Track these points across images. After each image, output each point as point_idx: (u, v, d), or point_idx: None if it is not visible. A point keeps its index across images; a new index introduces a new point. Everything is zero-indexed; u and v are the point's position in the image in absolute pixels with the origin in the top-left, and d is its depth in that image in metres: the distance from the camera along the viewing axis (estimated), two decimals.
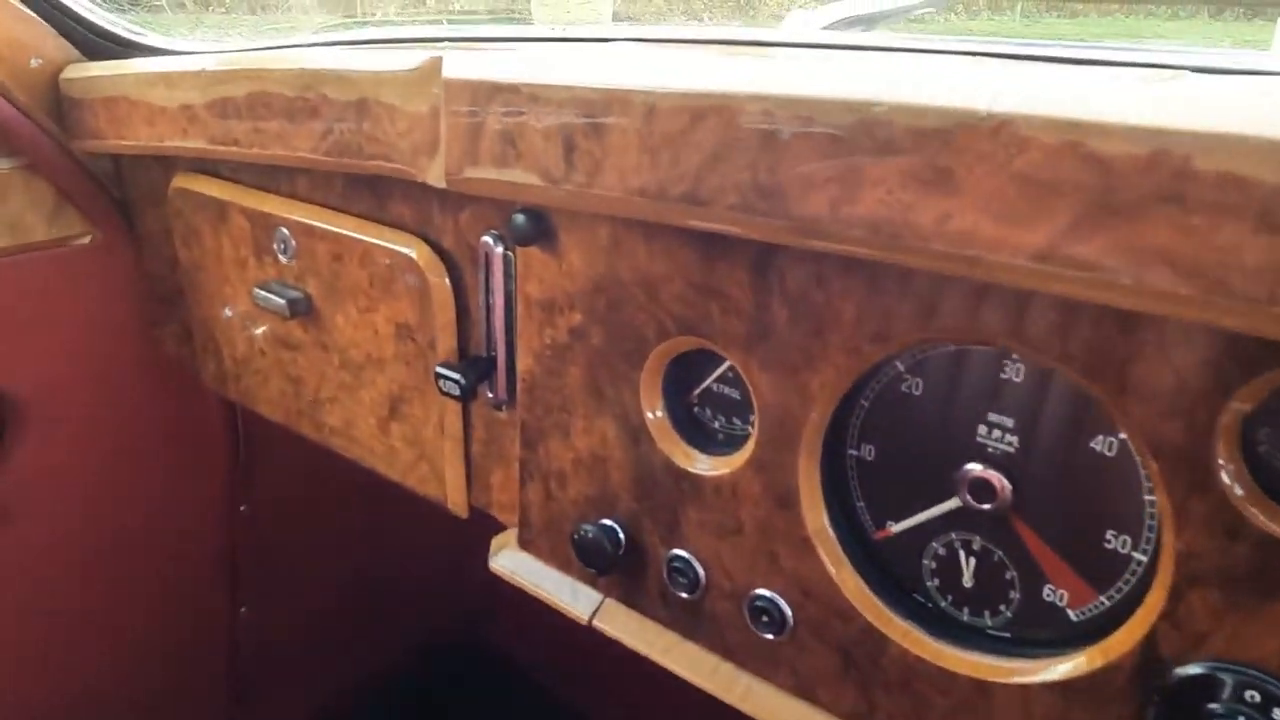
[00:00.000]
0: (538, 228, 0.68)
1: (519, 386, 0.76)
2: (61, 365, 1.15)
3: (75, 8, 1.01)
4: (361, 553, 1.63)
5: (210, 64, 0.85)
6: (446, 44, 0.83)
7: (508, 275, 0.77)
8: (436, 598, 1.84)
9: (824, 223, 0.49)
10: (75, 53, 1.03)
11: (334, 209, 0.88)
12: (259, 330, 0.99)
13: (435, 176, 0.69)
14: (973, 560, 0.59)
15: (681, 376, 0.69)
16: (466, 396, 0.78)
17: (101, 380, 1.19)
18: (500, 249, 0.76)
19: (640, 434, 0.69)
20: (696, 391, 0.69)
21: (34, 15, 0.99)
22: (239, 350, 1.03)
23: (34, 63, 1.00)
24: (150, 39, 1.05)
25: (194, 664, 1.49)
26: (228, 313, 1.02)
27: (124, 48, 1.05)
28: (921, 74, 0.46)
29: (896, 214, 0.46)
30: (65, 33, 1.02)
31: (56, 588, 1.25)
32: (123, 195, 1.12)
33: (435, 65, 0.67)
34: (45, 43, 1.00)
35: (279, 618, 1.57)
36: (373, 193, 0.85)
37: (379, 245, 0.84)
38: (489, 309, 0.79)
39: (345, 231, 0.86)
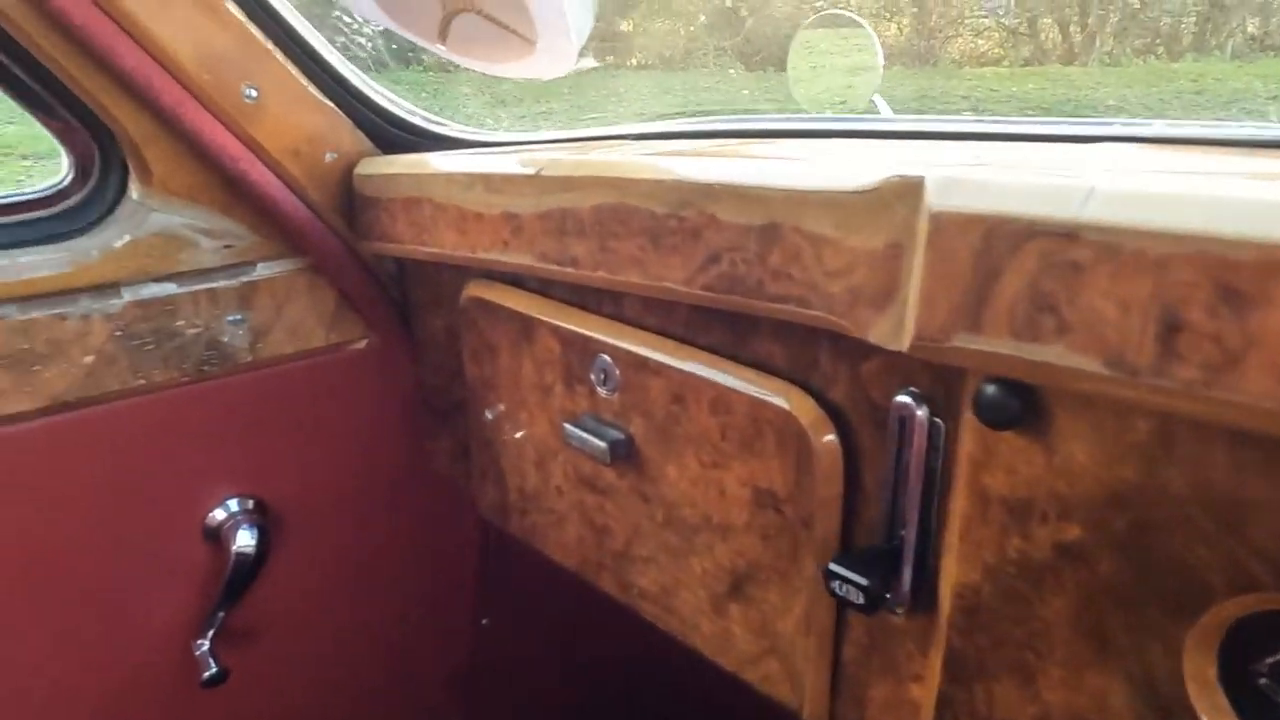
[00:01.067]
0: (1022, 406, 0.50)
1: (952, 603, 0.57)
2: (324, 474, 1.06)
3: (375, 98, 0.92)
4: (594, 674, 1.49)
5: (546, 165, 0.71)
6: (856, 139, 0.66)
7: (933, 448, 0.58)
8: (663, 715, 1.67)
9: None
10: (369, 145, 0.93)
11: (675, 339, 0.73)
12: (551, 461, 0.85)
13: (886, 335, 0.52)
14: None
15: (1236, 629, 0.47)
16: (873, 607, 0.60)
17: (362, 490, 1.09)
18: (923, 412, 0.58)
19: (1174, 711, 0.48)
20: (1269, 660, 0.47)
21: (332, 106, 0.90)
22: (529, 483, 0.89)
23: (328, 157, 0.91)
24: (452, 129, 0.94)
25: None
26: (518, 436, 0.89)
27: (420, 138, 0.95)
28: None
29: None
30: (360, 123, 0.93)
31: (300, 693, 1.16)
32: (402, 297, 1.01)
33: (907, 188, 0.49)
34: (341, 136, 0.91)
35: None
36: (729, 323, 0.69)
37: (738, 390, 0.67)
38: (898, 488, 0.60)
39: (691, 369, 0.70)
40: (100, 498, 0.91)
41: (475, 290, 0.88)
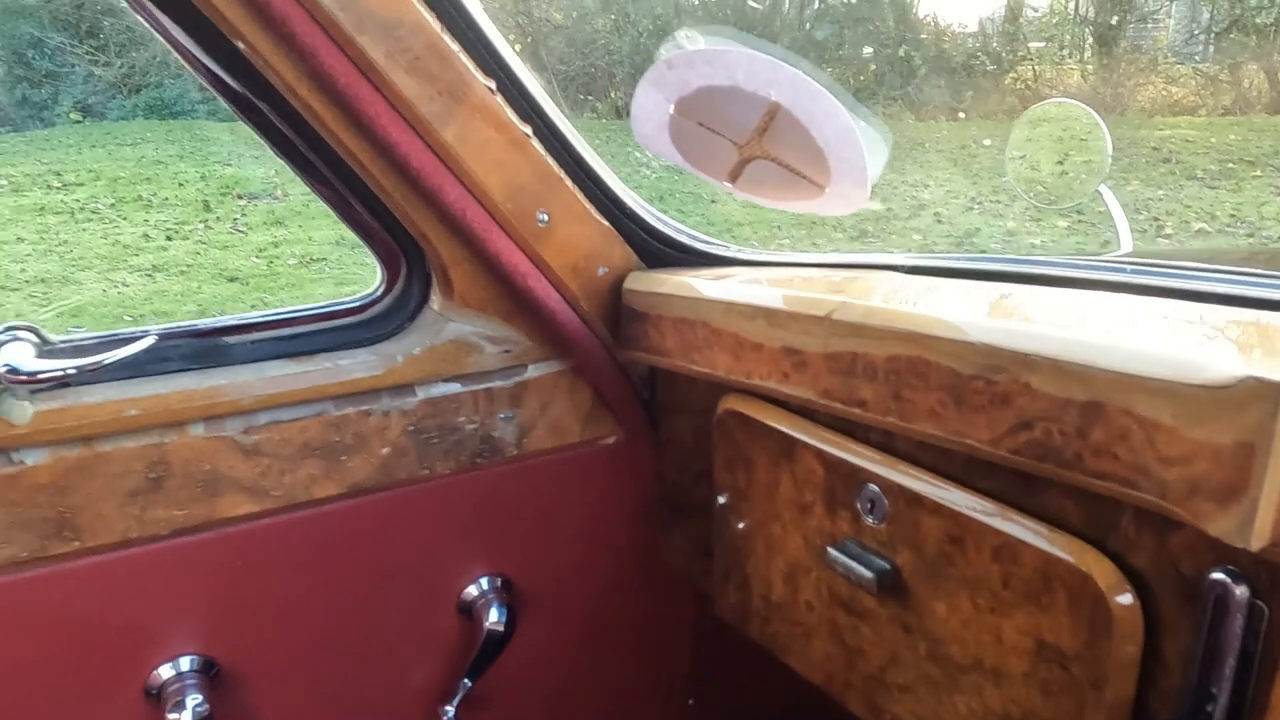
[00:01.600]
0: None
1: None
2: (564, 556, 1.12)
3: (645, 216, 0.98)
4: None
5: (836, 308, 0.74)
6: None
7: (1251, 630, 0.57)
8: None
9: None
10: (635, 259, 1.00)
11: (951, 479, 0.74)
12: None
13: (1229, 532, 0.52)
14: None
15: None
16: None
17: (596, 573, 1.15)
18: (1243, 591, 0.57)
19: None
20: None
21: (608, 225, 0.97)
22: (775, 592, 0.92)
23: (601, 271, 0.97)
24: (715, 247, 0.99)
25: None
26: (768, 547, 0.92)
27: (683, 254, 1.00)
28: None
29: None
30: (628, 239, 0.99)
31: None
32: (650, 397, 1.07)
33: (1266, 392, 0.49)
34: (614, 251, 0.98)
35: None
36: (1015, 472, 0.69)
37: (1026, 542, 0.67)
38: (1206, 664, 0.59)
39: (971, 512, 0.71)
40: (378, 572, 1.00)
41: (733, 404, 0.92)
